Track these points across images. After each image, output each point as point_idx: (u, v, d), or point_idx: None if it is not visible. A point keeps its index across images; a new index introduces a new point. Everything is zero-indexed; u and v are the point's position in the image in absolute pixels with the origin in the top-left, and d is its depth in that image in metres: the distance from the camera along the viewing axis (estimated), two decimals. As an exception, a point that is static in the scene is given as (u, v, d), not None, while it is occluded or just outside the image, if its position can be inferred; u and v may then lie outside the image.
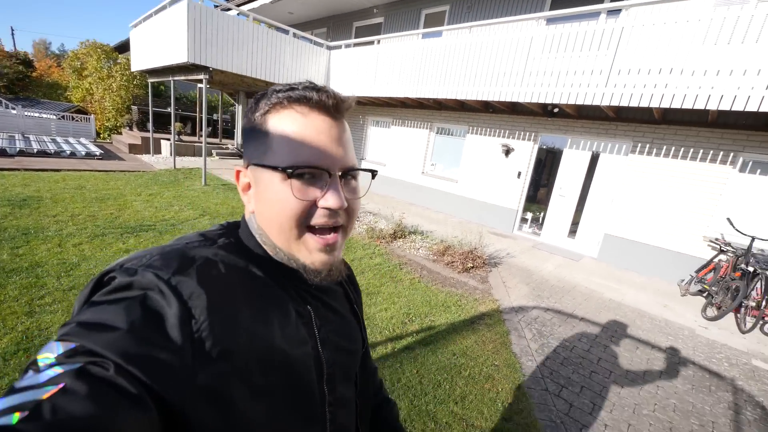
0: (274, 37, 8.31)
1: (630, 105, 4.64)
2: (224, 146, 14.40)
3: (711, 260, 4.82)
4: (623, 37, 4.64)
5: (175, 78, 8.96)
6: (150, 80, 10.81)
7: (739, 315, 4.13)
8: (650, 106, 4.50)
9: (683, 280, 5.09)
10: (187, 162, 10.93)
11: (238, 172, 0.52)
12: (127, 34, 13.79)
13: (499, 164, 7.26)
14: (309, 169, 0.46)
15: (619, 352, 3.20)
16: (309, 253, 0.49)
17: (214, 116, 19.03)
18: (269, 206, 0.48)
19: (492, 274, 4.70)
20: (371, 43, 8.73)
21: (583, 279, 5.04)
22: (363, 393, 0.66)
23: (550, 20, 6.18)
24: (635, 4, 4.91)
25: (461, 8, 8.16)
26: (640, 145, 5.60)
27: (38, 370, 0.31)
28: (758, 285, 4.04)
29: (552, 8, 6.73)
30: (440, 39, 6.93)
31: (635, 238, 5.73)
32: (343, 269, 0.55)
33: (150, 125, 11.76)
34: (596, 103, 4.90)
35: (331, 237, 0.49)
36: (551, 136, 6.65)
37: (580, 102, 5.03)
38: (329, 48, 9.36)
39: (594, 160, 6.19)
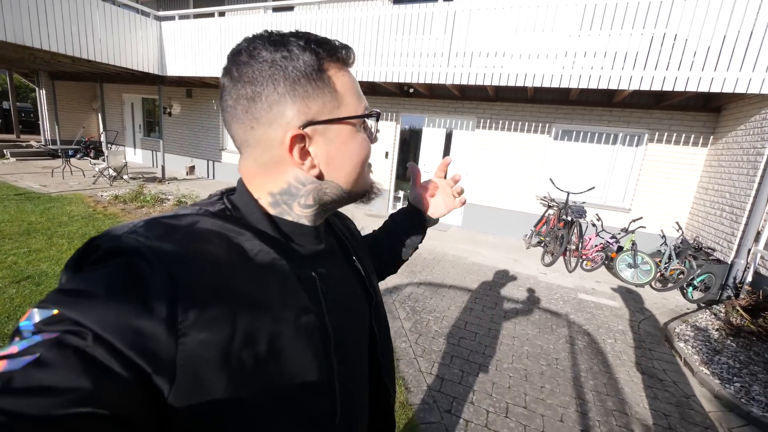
0: (71, 0, 6.34)
1: (468, 83, 5.05)
2: (24, 143, 10.82)
3: (543, 215, 5.74)
4: (456, 20, 4.96)
5: None
6: None
7: (566, 258, 5.01)
8: (484, 84, 4.97)
9: (526, 235, 5.96)
10: (-46, 171, 7.82)
11: (293, 138, 0.45)
12: None
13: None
14: (372, 114, 0.52)
15: (481, 313, 3.42)
16: (369, 180, 0.55)
17: (5, 104, 14.17)
18: (350, 158, 0.50)
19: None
20: (212, 15, 7.53)
21: (450, 247, 5.39)
22: (384, 348, 0.64)
23: (397, 0, 6.27)
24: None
25: (310, -17, 7.69)
26: (482, 120, 6.25)
27: (21, 338, 0.30)
28: (575, 231, 4.94)
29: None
30: (292, 14, 6.37)
31: (488, 204, 6.45)
32: (379, 188, 0.58)
33: None
34: (441, 82, 5.18)
35: None
36: (411, 115, 6.91)
37: (428, 81, 5.25)
38: (158, 18, 7.72)
39: (449, 136, 6.68)
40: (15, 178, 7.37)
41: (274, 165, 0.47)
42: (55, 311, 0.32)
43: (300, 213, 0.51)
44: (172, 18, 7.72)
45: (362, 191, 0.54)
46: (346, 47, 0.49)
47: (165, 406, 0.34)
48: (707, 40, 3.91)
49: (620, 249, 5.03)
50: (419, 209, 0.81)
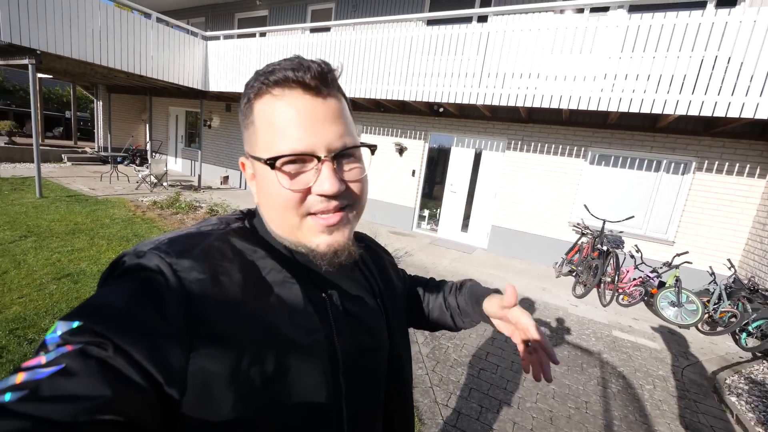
0: (130, 21, 6.94)
1: (500, 104, 4.95)
2: (80, 150, 11.76)
3: (576, 243, 5.43)
4: (490, 41, 4.93)
5: (-9, 63, 6.87)
6: (-46, 66, 8.17)
7: (600, 290, 4.68)
8: (516, 105, 4.86)
9: (557, 263, 5.65)
10: (22, 170, 8.61)
11: (242, 164, 0.51)
12: None
13: (394, 163, 7.24)
14: (291, 157, 0.44)
15: (504, 343, 3.22)
16: (313, 236, 0.47)
17: (67, 114, 15.57)
18: (266, 198, 0.47)
19: (389, 277, 4.50)
20: (254, 35, 7.96)
21: (474, 271, 5.19)
22: (399, 400, 0.61)
23: (430, 22, 6.36)
24: (499, 12, 5.31)
25: (347, 6, 8.00)
26: (513, 142, 6.09)
27: (47, 351, 0.32)
28: (611, 262, 4.62)
29: (431, 10, 7.01)
30: (328, 34, 6.60)
31: (516, 228, 6.21)
32: (354, 251, 0.51)
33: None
34: (472, 102, 5.12)
35: (333, 217, 0.47)
36: (439, 134, 6.86)
37: (459, 101, 5.21)
38: (205, 38, 8.27)
39: (478, 157, 6.55)
40: (69, 180, 7.98)
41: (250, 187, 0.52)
42: (81, 323, 0.34)
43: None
44: (217, 38, 8.24)
45: (298, 245, 0.48)
46: (296, 66, 0.43)
47: (176, 416, 0.35)
48: (766, 65, 3.62)
49: (662, 285, 4.63)
50: (486, 315, 0.69)
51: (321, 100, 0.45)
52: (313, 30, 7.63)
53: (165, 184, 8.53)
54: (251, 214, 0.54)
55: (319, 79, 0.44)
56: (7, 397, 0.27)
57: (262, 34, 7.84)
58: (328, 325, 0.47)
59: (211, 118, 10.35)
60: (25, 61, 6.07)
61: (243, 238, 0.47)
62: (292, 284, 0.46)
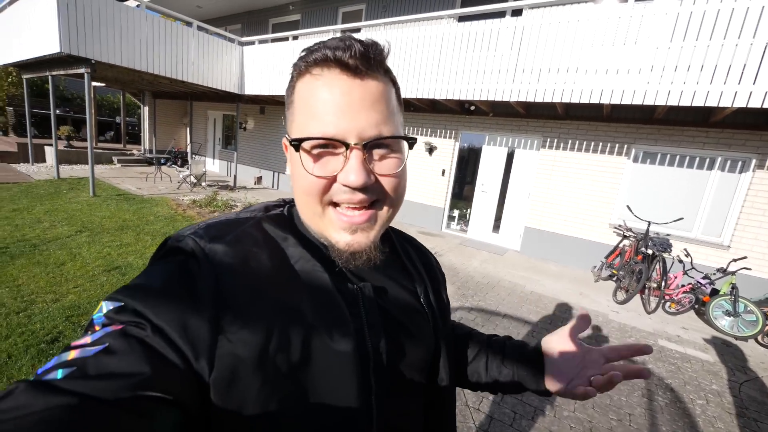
0: (173, 30, 7.36)
1: (536, 101, 4.76)
2: (128, 152, 12.61)
3: (617, 246, 5.13)
4: (524, 35, 4.76)
5: (53, 73, 7.54)
6: (24, 76, 9.04)
7: (644, 296, 4.38)
8: (552, 101, 4.65)
9: (595, 267, 5.36)
10: (78, 171, 9.37)
11: (285, 145, 0.48)
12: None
13: (423, 163, 7.17)
14: (319, 140, 0.42)
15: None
16: (333, 231, 0.45)
17: (117, 119, 16.76)
18: (294, 181, 0.46)
19: (417, 277, 4.46)
20: (287, 39, 8.19)
21: (506, 273, 5.04)
22: (439, 414, 0.56)
23: (462, 18, 6.24)
24: (534, 5, 5.12)
25: (377, 7, 8.04)
26: (548, 140, 5.85)
27: (93, 330, 0.35)
28: (657, 266, 4.32)
29: (462, 6, 6.88)
30: (359, 35, 6.64)
31: (551, 229, 5.95)
32: (375, 256, 0.47)
33: (28, 129, 9.76)
34: (506, 99, 4.96)
35: (357, 216, 0.44)
36: (470, 133, 6.72)
37: (491, 98, 5.07)
38: (241, 44, 8.61)
39: (510, 156, 6.35)
40: (118, 180, 8.58)
41: None
42: (123, 302, 0.36)
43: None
44: (252, 43, 8.55)
45: (320, 235, 0.47)
46: (337, 45, 0.41)
47: (208, 399, 0.36)
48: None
49: (715, 292, 4.26)
50: (542, 363, 0.59)
51: (359, 82, 0.41)
52: (344, 31, 7.72)
53: (203, 184, 8.96)
54: (291, 202, 0.54)
55: (360, 59, 0.41)
56: (59, 374, 0.29)
57: (295, 38, 8.04)
58: (358, 318, 0.45)
59: (246, 120, 10.75)
60: (81, 71, 6.60)
61: (277, 225, 0.47)
62: (320, 273, 0.45)
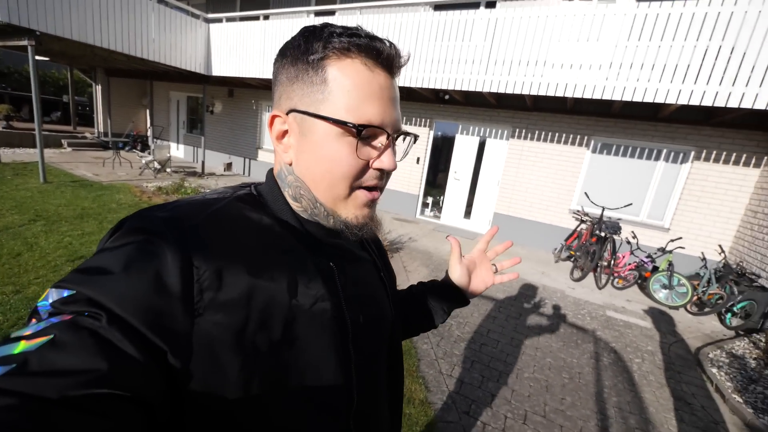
0: (131, 2, 6.84)
1: (506, 92, 5.02)
2: (80, 135, 11.72)
3: (575, 229, 5.59)
4: (497, 27, 4.96)
5: (-11, 44, 6.79)
6: (-49, 47, 8.05)
7: (596, 274, 4.85)
8: (522, 93, 4.92)
9: (556, 249, 5.82)
10: (23, 155, 8.62)
11: (273, 117, 0.48)
12: None
13: (398, 150, 7.28)
14: (374, 129, 0.44)
15: (505, 322, 3.40)
16: (355, 209, 0.48)
17: (65, 98, 15.41)
18: (319, 162, 0.45)
19: (393, 259, 4.65)
20: (257, 18, 7.89)
21: (476, 256, 5.34)
22: (397, 371, 0.63)
23: (438, 6, 6.33)
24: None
25: (353, -11, 7.90)
26: (517, 130, 6.17)
27: (39, 319, 0.31)
28: (608, 247, 4.78)
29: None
30: (333, 18, 6.58)
31: (518, 215, 6.35)
32: (379, 224, 0.53)
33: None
34: (479, 89, 5.18)
35: (377, 193, 0.49)
36: (444, 122, 6.92)
37: (465, 88, 5.27)
38: (207, 21, 8.19)
39: (482, 145, 6.64)
40: (71, 166, 8.01)
41: (275, 146, 0.50)
42: (74, 290, 0.32)
43: (293, 205, 0.50)
44: (219, 20, 8.16)
45: (331, 214, 0.49)
46: (384, 42, 0.44)
47: (181, 385, 0.35)
48: None
49: (656, 269, 4.81)
50: (458, 288, 0.73)
51: (393, 81, 0.47)
52: (318, 14, 7.57)
53: (168, 170, 8.57)
54: (258, 184, 0.54)
55: (394, 62, 0.46)
56: None
57: (266, 17, 7.76)
58: (335, 294, 0.47)
59: (213, 103, 10.30)
60: (24, 43, 5.92)
61: (250, 206, 0.47)
62: (299, 252, 0.46)
